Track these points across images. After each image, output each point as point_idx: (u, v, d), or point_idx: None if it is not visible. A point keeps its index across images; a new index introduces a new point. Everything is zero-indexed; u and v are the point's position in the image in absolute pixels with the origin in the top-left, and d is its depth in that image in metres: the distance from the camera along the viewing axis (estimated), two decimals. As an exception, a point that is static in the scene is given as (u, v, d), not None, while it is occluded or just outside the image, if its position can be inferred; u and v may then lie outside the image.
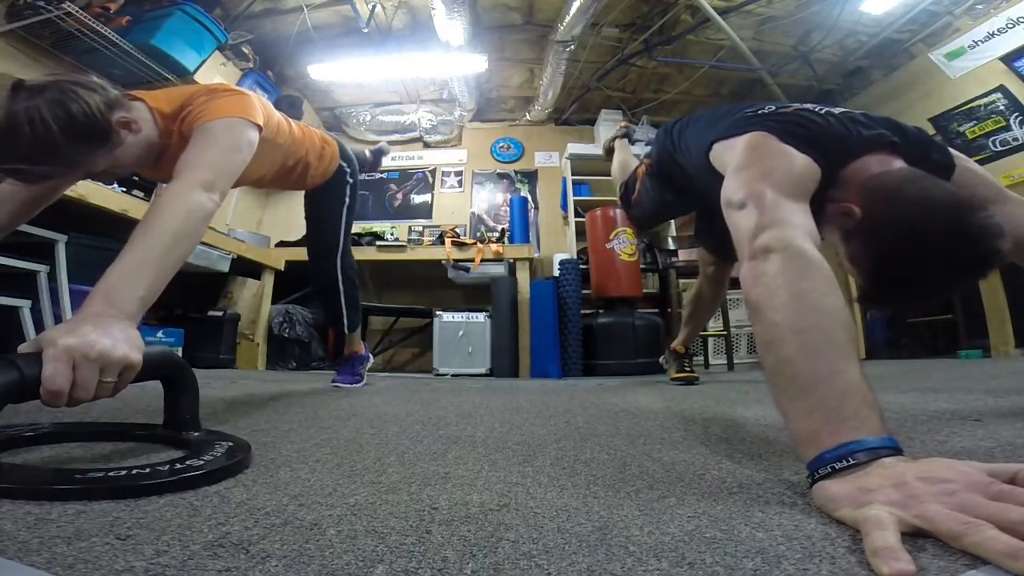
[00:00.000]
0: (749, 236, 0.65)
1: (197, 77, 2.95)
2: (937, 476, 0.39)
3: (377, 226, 4.21)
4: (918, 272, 0.70)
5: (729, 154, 0.82)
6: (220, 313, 3.16)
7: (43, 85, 0.82)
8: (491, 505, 0.47)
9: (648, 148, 1.52)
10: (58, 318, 1.93)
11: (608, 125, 4.41)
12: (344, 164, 1.61)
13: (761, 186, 0.69)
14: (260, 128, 1.05)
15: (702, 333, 3.12)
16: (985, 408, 0.94)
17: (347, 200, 1.65)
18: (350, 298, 1.69)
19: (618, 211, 3.46)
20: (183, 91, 1.05)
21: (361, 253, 3.65)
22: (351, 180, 1.64)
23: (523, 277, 3.37)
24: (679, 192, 1.36)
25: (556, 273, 3.50)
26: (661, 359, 2.16)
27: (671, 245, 4.07)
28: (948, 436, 0.72)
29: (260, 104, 1.09)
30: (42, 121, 0.79)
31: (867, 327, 3.70)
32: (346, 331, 1.74)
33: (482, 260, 3.46)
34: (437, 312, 3.31)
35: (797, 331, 0.53)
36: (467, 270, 3.48)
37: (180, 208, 0.79)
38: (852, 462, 0.43)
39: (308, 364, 3.35)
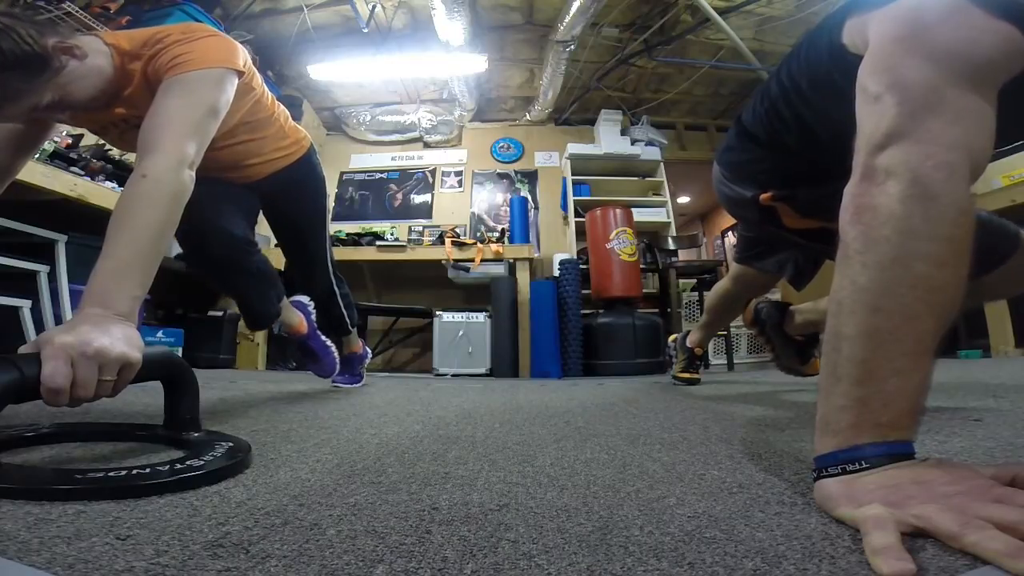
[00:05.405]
0: (870, 144, 0.47)
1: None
2: (937, 478, 0.39)
3: (377, 226, 4.21)
4: None
5: (875, 24, 0.55)
6: (220, 313, 3.17)
7: None
8: (491, 505, 0.47)
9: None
10: (58, 318, 1.93)
11: (608, 125, 4.41)
12: (314, 146, 1.38)
13: (911, 66, 0.47)
14: (242, 74, 0.93)
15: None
16: (985, 408, 0.94)
17: (325, 190, 1.46)
18: (346, 298, 1.64)
19: (618, 211, 3.46)
20: (148, 29, 0.92)
21: (361, 253, 3.66)
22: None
23: (523, 277, 3.37)
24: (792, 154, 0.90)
25: (556, 273, 3.50)
26: (671, 342, 2.01)
27: (671, 245, 4.07)
28: (948, 436, 0.71)
29: (240, 47, 0.96)
30: None
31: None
32: (349, 332, 1.69)
33: (482, 260, 3.46)
34: (437, 312, 3.32)
35: (874, 308, 0.44)
36: (467, 270, 3.48)
37: (166, 193, 0.73)
38: (865, 465, 0.42)
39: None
